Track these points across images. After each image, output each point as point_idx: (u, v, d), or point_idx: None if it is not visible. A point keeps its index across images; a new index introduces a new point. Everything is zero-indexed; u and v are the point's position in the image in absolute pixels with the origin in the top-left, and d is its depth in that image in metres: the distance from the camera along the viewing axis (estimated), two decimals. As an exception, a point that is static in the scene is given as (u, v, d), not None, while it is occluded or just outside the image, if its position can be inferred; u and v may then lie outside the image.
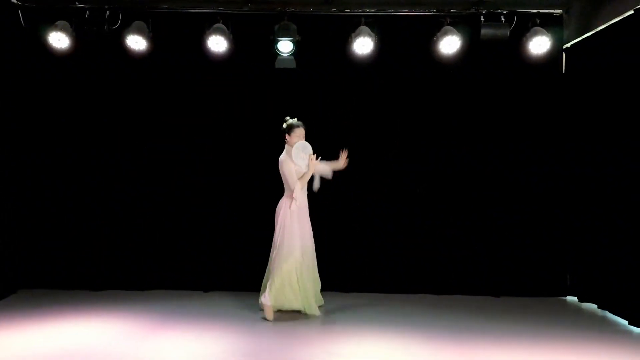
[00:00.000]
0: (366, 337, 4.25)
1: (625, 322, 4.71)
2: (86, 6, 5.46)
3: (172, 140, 5.73)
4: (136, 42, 5.41)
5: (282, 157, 4.80)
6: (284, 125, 4.84)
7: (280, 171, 4.80)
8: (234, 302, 5.24)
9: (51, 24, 5.34)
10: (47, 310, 4.87)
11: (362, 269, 5.71)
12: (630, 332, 4.48)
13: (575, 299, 5.60)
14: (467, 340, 4.17)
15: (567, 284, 5.72)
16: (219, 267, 5.70)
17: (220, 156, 5.72)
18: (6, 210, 5.39)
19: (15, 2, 5.50)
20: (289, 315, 4.81)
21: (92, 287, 5.63)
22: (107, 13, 5.44)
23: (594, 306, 5.30)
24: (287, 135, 4.82)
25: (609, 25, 5.04)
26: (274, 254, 4.73)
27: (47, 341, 4.04)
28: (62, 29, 5.35)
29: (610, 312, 5.03)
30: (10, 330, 4.29)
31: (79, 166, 5.71)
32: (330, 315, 4.86)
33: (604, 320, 4.88)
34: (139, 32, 5.38)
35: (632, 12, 4.65)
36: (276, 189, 5.35)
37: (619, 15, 4.89)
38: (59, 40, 5.38)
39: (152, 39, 5.46)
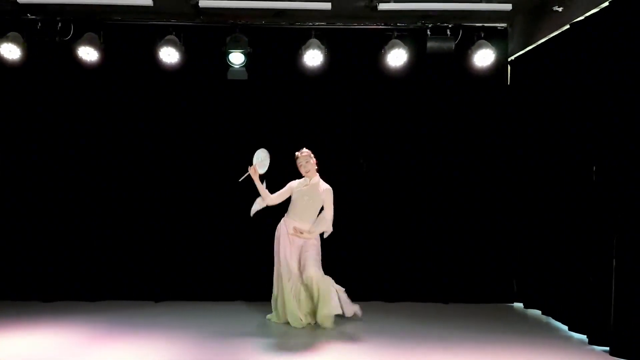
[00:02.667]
0: (307, 343, 4.13)
1: (565, 328, 4.65)
2: (38, 17, 5.29)
3: (124, 150, 5.57)
4: (87, 53, 5.27)
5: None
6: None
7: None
8: (184, 312, 5.07)
9: (2, 35, 5.15)
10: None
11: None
12: (570, 338, 4.43)
13: (521, 305, 5.55)
14: (413, 346, 4.07)
15: (513, 290, 5.66)
16: (170, 278, 5.53)
17: (170, 166, 5.58)
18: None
19: (-34, 13, 5.31)
20: (233, 324, 4.69)
21: (43, 298, 5.41)
22: (59, 24, 5.29)
23: (538, 312, 5.25)
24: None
25: (549, 39, 5.04)
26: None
27: None
28: (13, 40, 5.17)
29: (553, 318, 4.98)
30: None
31: (27, 177, 5.51)
32: (273, 322, 4.75)
33: (547, 326, 4.83)
34: (91, 43, 5.24)
35: (568, 26, 4.64)
36: (226, 198, 5.24)
37: (557, 29, 4.88)
38: (10, 51, 5.20)
39: (103, 50, 5.31)
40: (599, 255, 4.16)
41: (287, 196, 4.79)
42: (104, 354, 3.85)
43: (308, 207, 4.71)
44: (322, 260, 5.56)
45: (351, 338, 4.31)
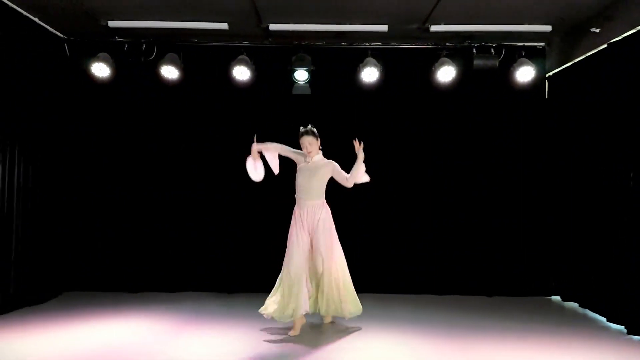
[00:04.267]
0: (372, 333, 4.37)
1: (603, 319, 4.89)
2: (125, 40, 5.76)
3: (201, 157, 6.00)
4: (169, 72, 5.69)
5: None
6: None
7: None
8: (255, 303, 5.27)
9: (93, 56, 5.61)
10: (89, 311, 4.99)
11: (364, 270, 5.87)
12: (608, 328, 4.64)
13: (558, 298, 5.83)
14: (464, 336, 4.28)
15: (551, 284, 5.96)
16: (243, 271, 5.93)
17: (242, 170, 5.95)
18: (52, 218, 5.60)
19: (62, 36, 5.79)
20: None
21: (129, 290, 5.85)
22: (144, 46, 5.74)
23: (575, 305, 5.51)
24: None
25: (587, 57, 5.32)
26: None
27: (89, 339, 4.12)
28: (104, 60, 5.63)
29: (590, 310, 5.23)
30: (56, 330, 4.37)
31: (116, 180, 5.96)
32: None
33: (584, 318, 5.04)
34: (172, 62, 5.65)
35: (605, 45, 4.94)
36: (292, 200, 5.61)
37: (594, 48, 5.17)
38: (100, 70, 5.65)
39: (183, 69, 5.73)
40: (634, 250, 4.45)
41: (286, 154, 4.62)
42: (192, 340, 4.13)
43: (311, 183, 4.45)
44: (375, 255, 5.88)
45: (399, 328, 4.52)
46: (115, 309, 5.10)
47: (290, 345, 4.05)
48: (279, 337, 4.25)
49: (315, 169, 4.51)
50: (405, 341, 4.17)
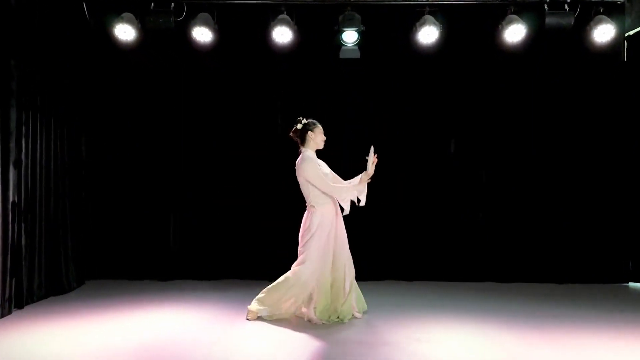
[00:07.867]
0: (445, 323, 4.00)
1: (698, 308, 4.44)
2: (151, -2, 5.15)
3: (239, 130, 5.49)
4: (202, 34, 5.11)
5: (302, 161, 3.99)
6: (302, 124, 4.02)
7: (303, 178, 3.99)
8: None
9: (116, 17, 5.03)
10: (119, 300, 4.60)
11: (428, 258, 5.49)
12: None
13: (638, 285, 5.35)
14: (527, 324, 3.91)
15: (629, 270, 5.45)
16: (286, 258, 5.44)
17: (286, 148, 5.43)
18: (75, 205, 5.13)
19: (80, -6, 5.19)
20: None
21: (159, 277, 5.39)
22: (172, 5, 5.12)
23: (659, 292, 5.05)
24: (310, 134, 4.00)
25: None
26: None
27: (127, 332, 3.71)
28: (128, 21, 5.05)
29: (679, 298, 4.78)
30: (87, 322, 3.93)
31: (144, 159, 5.49)
32: (401, 303, 4.60)
33: None
34: (205, 23, 5.07)
35: None
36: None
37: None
38: (124, 32, 5.07)
39: (217, 30, 5.15)
40: None
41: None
42: (247, 329, 3.82)
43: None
44: (438, 243, 5.50)
45: (470, 317, 4.17)
46: (149, 298, 4.70)
47: (360, 335, 3.69)
48: (337, 327, 3.90)
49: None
50: (483, 331, 3.78)
